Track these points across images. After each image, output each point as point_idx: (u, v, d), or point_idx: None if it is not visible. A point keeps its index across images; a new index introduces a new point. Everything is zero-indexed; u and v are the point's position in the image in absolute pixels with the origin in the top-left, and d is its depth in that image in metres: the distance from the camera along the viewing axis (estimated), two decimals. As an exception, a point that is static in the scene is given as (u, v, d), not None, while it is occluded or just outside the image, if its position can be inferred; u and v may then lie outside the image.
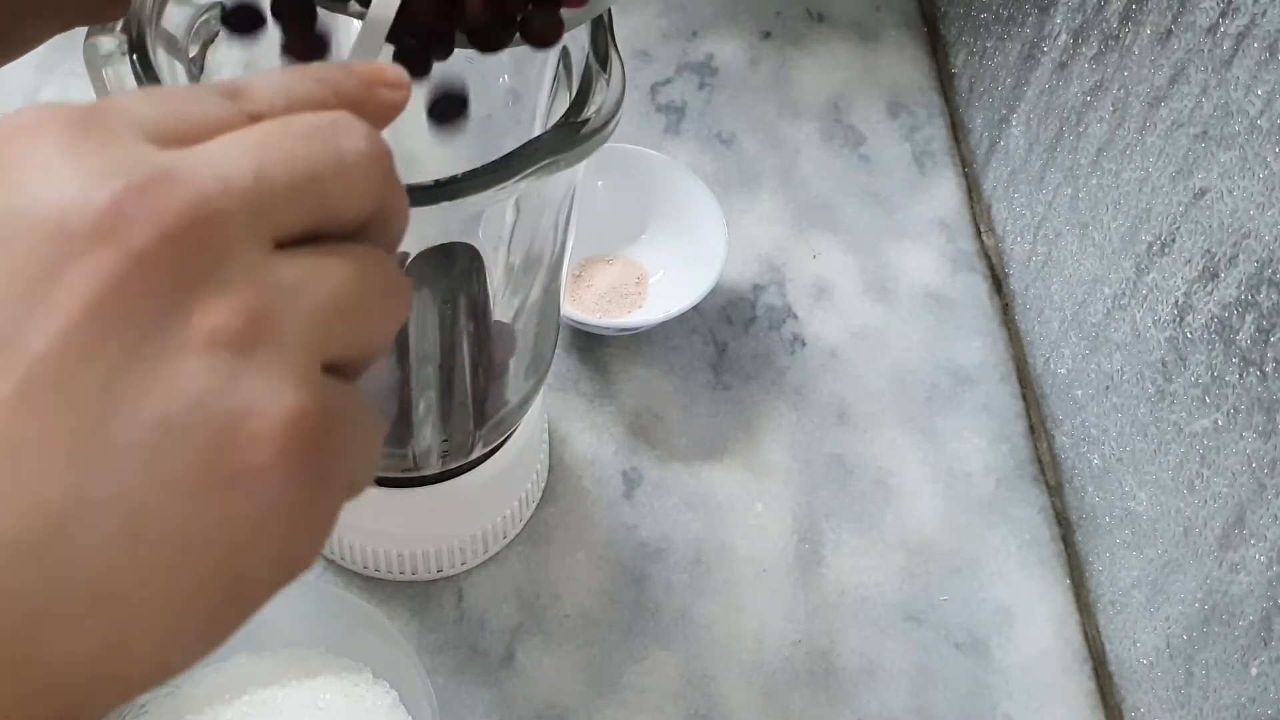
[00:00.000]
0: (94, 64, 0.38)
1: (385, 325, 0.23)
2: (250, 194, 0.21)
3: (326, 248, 0.22)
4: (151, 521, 0.19)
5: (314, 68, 0.24)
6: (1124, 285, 0.58)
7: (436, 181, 0.36)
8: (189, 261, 0.20)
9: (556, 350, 0.55)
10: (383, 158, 0.23)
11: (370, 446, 0.23)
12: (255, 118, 0.22)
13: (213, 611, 0.20)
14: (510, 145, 0.37)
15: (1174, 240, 0.54)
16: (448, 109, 0.35)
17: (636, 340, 0.68)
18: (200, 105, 0.22)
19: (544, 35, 0.34)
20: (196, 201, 0.20)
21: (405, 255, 0.43)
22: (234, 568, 0.20)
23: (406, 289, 0.24)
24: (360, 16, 0.36)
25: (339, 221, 0.22)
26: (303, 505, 0.21)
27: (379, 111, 0.24)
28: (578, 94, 0.39)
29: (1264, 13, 0.47)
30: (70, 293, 0.19)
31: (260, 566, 0.21)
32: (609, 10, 0.39)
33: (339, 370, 0.22)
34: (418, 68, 0.35)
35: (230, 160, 0.21)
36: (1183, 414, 0.53)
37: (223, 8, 0.36)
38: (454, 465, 0.54)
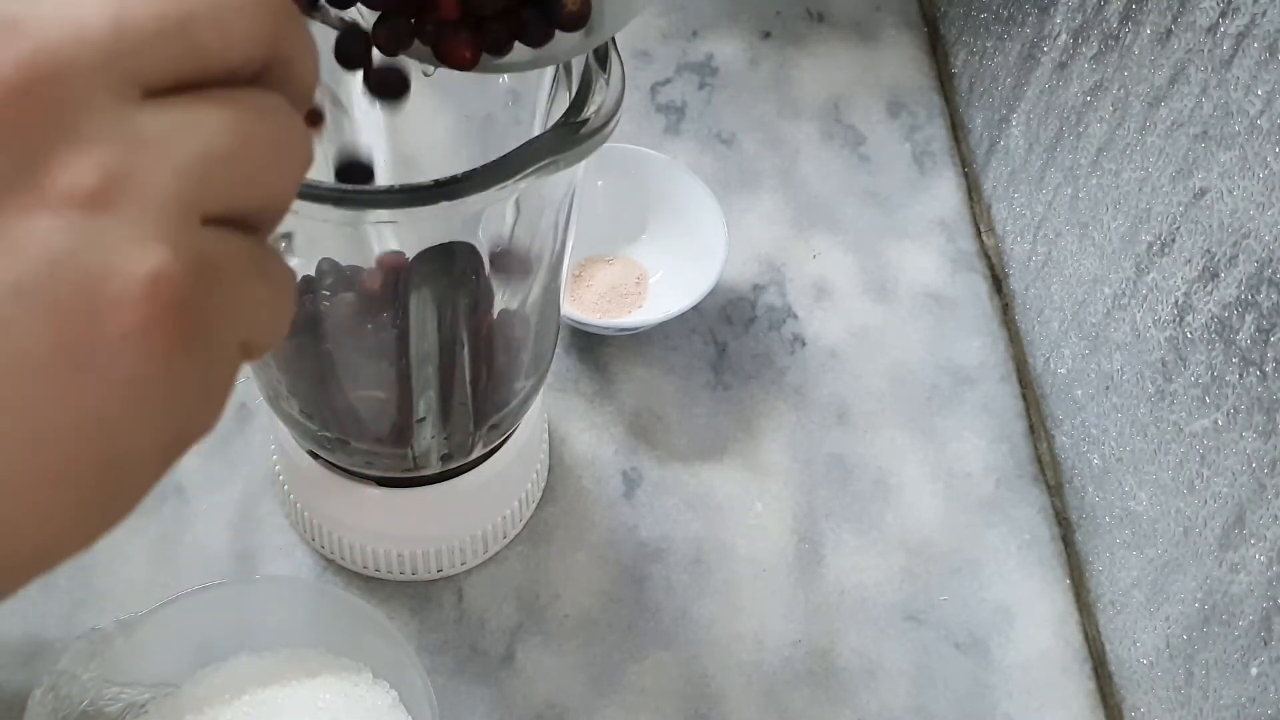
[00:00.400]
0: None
1: (280, 173, 0.21)
2: (107, 42, 0.19)
3: (204, 95, 0.20)
4: (8, 396, 0.18)
5: None
6: (1124, 285, 0.58)
7: (436, 181, 0.36)
8: (36, 117, 0.18)
9: (556, 350, 0.56)
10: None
11: (272, 300, 0.21)
12: None
13: (92, 486, 0.19)
14: (510, 145, 0.37)
15: (1174, 240, 0.54)
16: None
17: (636, 340, 0.68)
18: None
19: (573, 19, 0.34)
20: (43, 52, 0.18)
21: (403, 255, 0.43)
22: (106, 439, 0.19)
23: (303, 135, 0.22)
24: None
25: (221, 70, 0.20)
26: (178, 370, 0.19)
27: None
28: (577, 94, 0.39)
29: (1264, 13, 0.47)
30: None
31: (137, 437, 0.19)
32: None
33: (236, 224, 0.21)
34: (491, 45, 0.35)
35: (85, 6, 0.19)
36: (1183, 414, 0.53)
37: None
38: (454, 465, 0.54)
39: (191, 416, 0.20)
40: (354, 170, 0.39)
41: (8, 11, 0.18)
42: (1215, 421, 0.50)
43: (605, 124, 0.37)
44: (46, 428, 0.18)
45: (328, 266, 0.46)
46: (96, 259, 0.18)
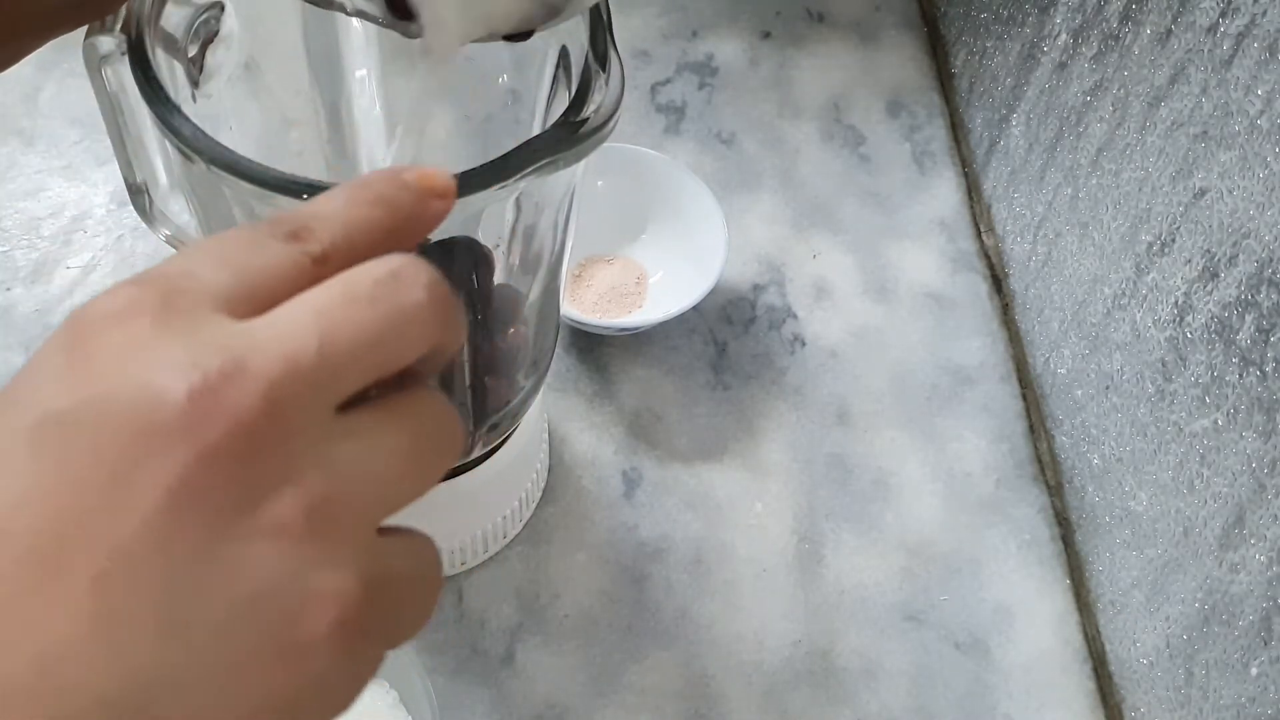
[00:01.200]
0: (92, 64, 0.38)
1: (441, 469, 0.25)
2: (315, 373, 0.22)
3: (385, 408, 0.24)
4: (231, 688, 0.22)
5: (367, 186, 0.26)
6: (1124, 285, 0.58)
7: (436, 181, 0.36)
8: (258, 453, 0.22)
9: (556, 350, 0.55)
10: (440, 305, 0.24)
11: (420, 597, 0.25)
12: (319, 260, 0.24)
13: None
14: (510, 145, 0.37)
15: (1174, 240, 0.54)
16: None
17: (636, 340, 0.68)
18: (264, 256, 0.24)
19: None
20: (265, 393, 0.22)
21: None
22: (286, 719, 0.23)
23: (460, 429, 0.26)
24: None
25: (396, 369, 0.24)
26: (348, 667, 0.23)
27: (431, 221, 0.26)
28: (577, 93, 0.39)
29: (1264, 13, 0.47)
30: (151, 486, 0.21)
31: (311, 717, 0.24)
32: (608, 9, 0.39)
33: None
34: None
35: (295, 335, 0.23)
36: (1183, 414, 0.53)
37: None
38: (454, 465, 0.54)
39: (345, 699, 0.24)
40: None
41: (238, 350, 0.22)
42: (1215, 421, 0.50)
43: (605, 123, 0.37)
44: (254, 715, 0.22)
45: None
46: (300, 581, 0.22)
